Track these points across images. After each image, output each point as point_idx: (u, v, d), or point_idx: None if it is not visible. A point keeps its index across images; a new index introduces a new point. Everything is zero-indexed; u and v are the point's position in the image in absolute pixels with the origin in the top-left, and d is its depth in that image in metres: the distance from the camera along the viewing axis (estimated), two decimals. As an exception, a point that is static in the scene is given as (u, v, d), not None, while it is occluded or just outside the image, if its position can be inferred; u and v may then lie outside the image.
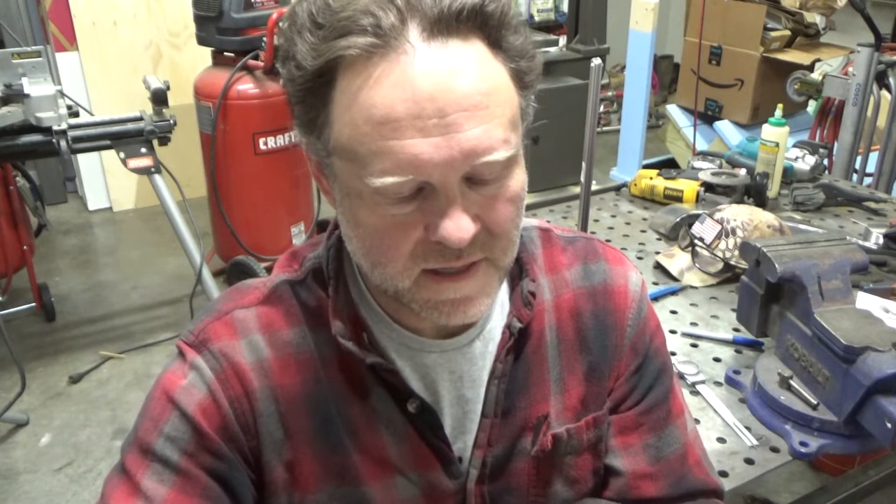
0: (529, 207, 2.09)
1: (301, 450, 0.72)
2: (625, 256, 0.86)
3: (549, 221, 0.89)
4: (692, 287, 1.60)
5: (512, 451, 0.77)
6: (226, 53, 3.03)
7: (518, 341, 0.76)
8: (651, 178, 2.03)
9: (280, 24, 0.64)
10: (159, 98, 2.56)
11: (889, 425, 1.03)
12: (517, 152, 0.63)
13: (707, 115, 4.01)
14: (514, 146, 0.62)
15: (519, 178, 0.65)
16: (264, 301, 0.74)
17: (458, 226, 0.60)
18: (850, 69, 2.76)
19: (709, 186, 1.93)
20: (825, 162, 2.15)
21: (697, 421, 1.21)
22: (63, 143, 2.39)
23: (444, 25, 0.59)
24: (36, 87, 2.39)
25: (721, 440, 1.17)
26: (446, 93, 0.58)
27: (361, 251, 0.66)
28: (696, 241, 1.63)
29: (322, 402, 0.72)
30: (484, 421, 0.76)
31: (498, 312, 0.77)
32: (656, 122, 5.14)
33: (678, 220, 1.79)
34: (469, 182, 0.61)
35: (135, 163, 2.55)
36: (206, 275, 2.67)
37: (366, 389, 0.72)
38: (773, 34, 3.73)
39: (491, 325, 0.76)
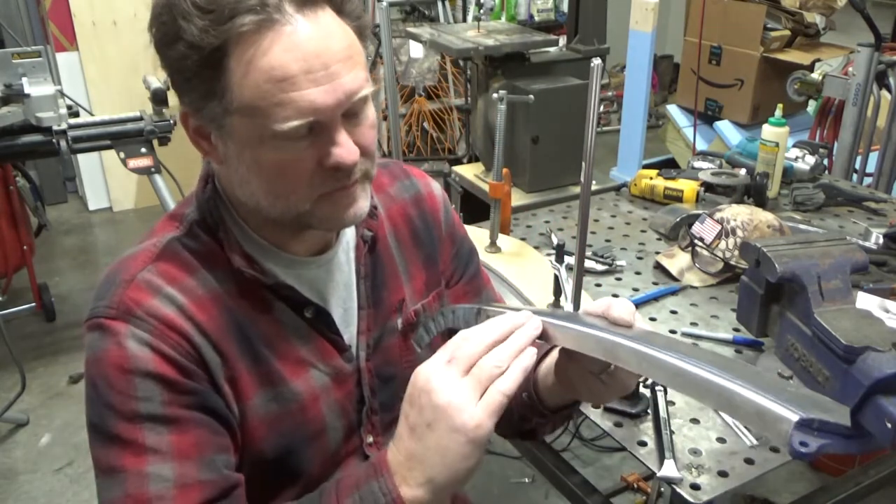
0: (529, 207, 2.09)
1: (235, 367, 0.84)
2: (423, 172, 1.09)
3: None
4: (692, 287, 1.60)
5: (384, 330, 0.98)
6: (226, 53, 3.03)
7: (371, 247, 0.96)
8: (651, 178, 2.03)
9: (154, 13, 0.75)
10: (159, 98, 2.56)
11: (889, 425, 1.02)
12: (371, 88, 0.82)
13: (707, 115, 4.01)
14: (371, 84, 0.80)
15: (372, 109, 0.83)
16: (158, 258, 0.84)
17: (349, 149, 0.78)
18: (850, 69, 2.76)
19: (709, 186, 1.93)
20: (825, 162, 2.15)
21: (697, 421, 1.21)
22: (63, 143, 2.40)
23: None
24: (36, 87, 2.39)
25: (721, 440, 1.17)
26: (325, 50, 0.74)
27: (263, 190, 0.80)
28: (696, 241, 1.63)
29: (238, 325, 0.85)
30: (361, 312, 0.95)
31: (350, 229, 0.96)
32: (656, 122, 5.14)
33: (678, 220, 1.79)
34: (344, 117, 0.78)
35: (135, 163, 2.55)
36: (206, 275, 2.66)
37: (268, 307, 0.87)
38: (773, 34, 3.73)
39: (347, 239, 0.95)
